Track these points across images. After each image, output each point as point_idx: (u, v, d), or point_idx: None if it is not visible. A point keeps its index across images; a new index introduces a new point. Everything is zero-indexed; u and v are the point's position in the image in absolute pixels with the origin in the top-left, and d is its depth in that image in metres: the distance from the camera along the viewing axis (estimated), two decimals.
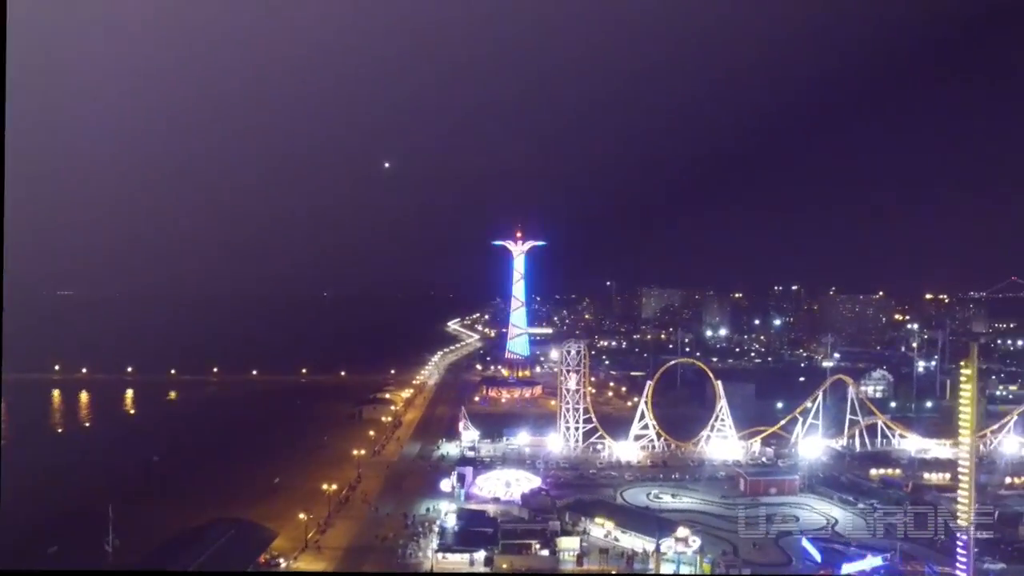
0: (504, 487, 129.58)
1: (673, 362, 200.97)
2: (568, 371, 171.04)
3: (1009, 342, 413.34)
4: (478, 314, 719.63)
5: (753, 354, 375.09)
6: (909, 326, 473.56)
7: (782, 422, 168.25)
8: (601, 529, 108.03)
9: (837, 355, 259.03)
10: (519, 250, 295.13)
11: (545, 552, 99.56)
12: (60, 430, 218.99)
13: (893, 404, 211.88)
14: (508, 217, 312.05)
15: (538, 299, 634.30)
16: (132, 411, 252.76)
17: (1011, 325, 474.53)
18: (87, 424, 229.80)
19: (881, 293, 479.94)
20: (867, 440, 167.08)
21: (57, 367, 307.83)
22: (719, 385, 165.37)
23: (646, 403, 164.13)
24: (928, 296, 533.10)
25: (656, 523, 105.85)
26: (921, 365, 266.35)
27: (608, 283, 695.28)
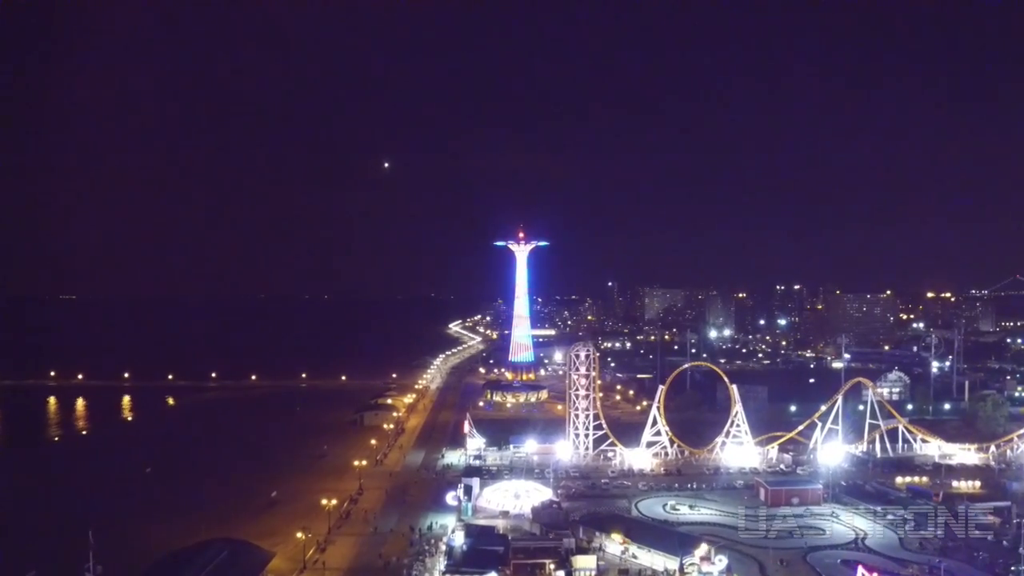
0: (513, 499, 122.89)
1: (686, 366, 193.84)
2: (577, 375, 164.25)
3: (1020, 341, 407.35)
4: (479, 315, 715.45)
5: (760, 355, 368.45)
6: (915, 325, 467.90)
7: (800, 427, 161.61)
8: (618, 546, 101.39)
9: (848, 356, 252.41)
10: (522, 250, 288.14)
11: (560, 573, 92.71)
12: (56, 438, 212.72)
13: (910, 406, 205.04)
14: (510, 217, 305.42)
15: (539, 300, 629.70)
16: (129, 419, 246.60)
17: (1019, 324, 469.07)
18: (84, 432, 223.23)
19: (889, 292, 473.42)
20: (888, 445, 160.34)
21: (53, 373, 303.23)
22: (734, 389, 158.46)
23: (658, 408, 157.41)
24: (931, 295, 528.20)
25: (677, 539, 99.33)
26: (935, 366, 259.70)
27: (610, 283, 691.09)
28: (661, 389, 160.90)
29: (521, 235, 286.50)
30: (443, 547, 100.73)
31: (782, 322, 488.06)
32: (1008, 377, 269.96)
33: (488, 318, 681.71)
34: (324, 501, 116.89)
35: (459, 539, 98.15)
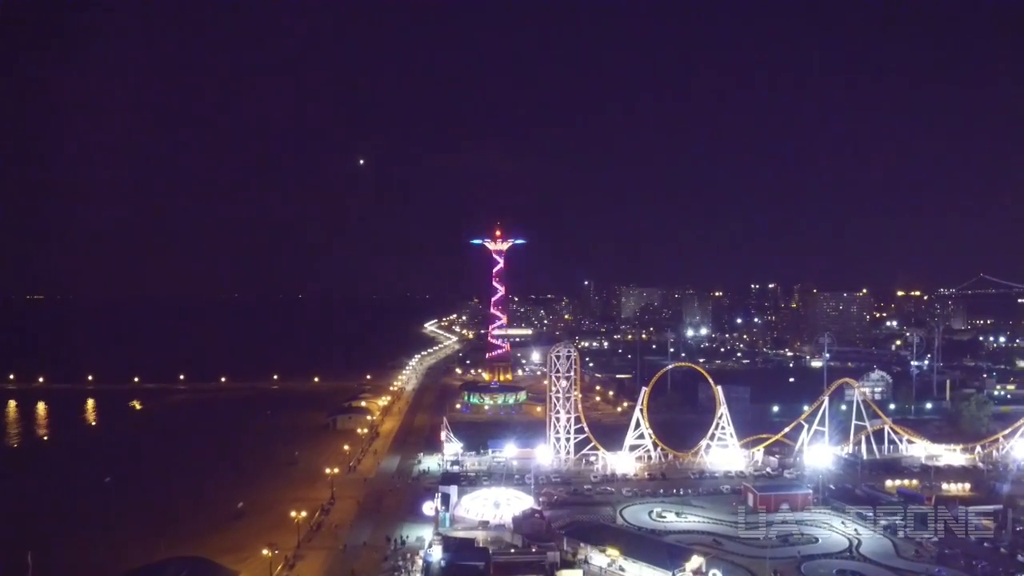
0: (493, 508, 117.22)
1: (669, 366, 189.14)
2: (558, 377, 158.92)
3: (991, 339, 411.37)
4: (455, 315, 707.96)
5: (739, 354, 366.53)
6: (888, 324, 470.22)
7: (787, 429, 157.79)
8: (604, 558, 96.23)
9: (827, 355, 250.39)
10: (498, 248, 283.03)
11: None
12: (14, 445, 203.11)
13: (892, 406, 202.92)
14: (486, 216, 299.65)
15: (515, 299, 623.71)
16: (91, 423, 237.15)
17: (988, 322, 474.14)
18: (44, 438, 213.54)
19: (864, 291, 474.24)
20: (874, 446, 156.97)
21: (12, 376, 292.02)
22: (719, 390, 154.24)
23: (641, 411, 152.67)
24: (900, 293, 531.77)
25: (667, 551, 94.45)
26: (914, 364, 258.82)
27: (586, 282, 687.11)
28: (644, 391, 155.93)
29: (498, 233, 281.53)
30: (419, 562, 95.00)
31: (758, 321, 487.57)
32: (985, 375, 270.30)
33: (464, 317, 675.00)
34: (293, 513, 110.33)
35: (436, 554, 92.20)
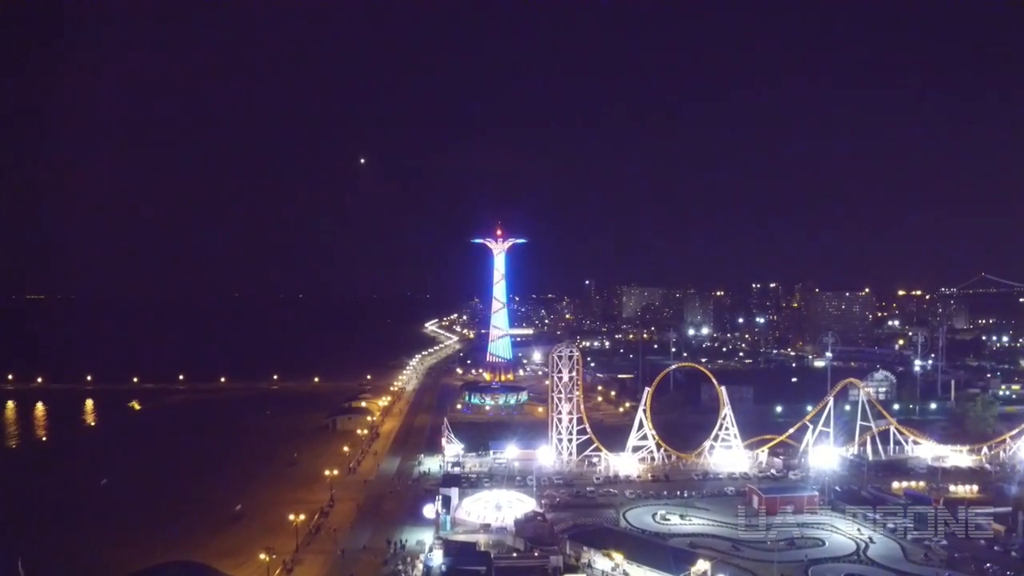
0: (494, 510, 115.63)
1: (673, 367, 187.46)
2: (560, 378, 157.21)
3: (994, 338, 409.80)
4: (456, 314, 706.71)
5: (742, 354, 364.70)
6: (891, 323, 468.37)
7: (792, 429, 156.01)
8: (608, 562, 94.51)
9: (830, 354, 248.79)
10: (499, 248, 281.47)
11: None
12: (13, 445, 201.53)
13: (896, 406, 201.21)
14: (487, 215, 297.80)
15: (516, 299, 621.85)
16: (90, 424, 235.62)
17: (991, 321, 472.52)
18: (43, 439, 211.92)
19: (867, 290, 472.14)
20: (879, 447, 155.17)
21: (11, 376, 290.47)
22: (723, 391, 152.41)
23: (644, 411, 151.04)
24: (902, 292, 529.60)
25: (671, 555, 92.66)
26: (917, 364, 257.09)
27: (587, 282, 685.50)
28: (647, 391, 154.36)
29: (499, 232, 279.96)
30: (420, 566, 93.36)
31: (760, 320, 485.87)
32: (989, 375, 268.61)
33: (465, 317, 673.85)
34: (292, 516, 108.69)
35: (437, 558, 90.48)
